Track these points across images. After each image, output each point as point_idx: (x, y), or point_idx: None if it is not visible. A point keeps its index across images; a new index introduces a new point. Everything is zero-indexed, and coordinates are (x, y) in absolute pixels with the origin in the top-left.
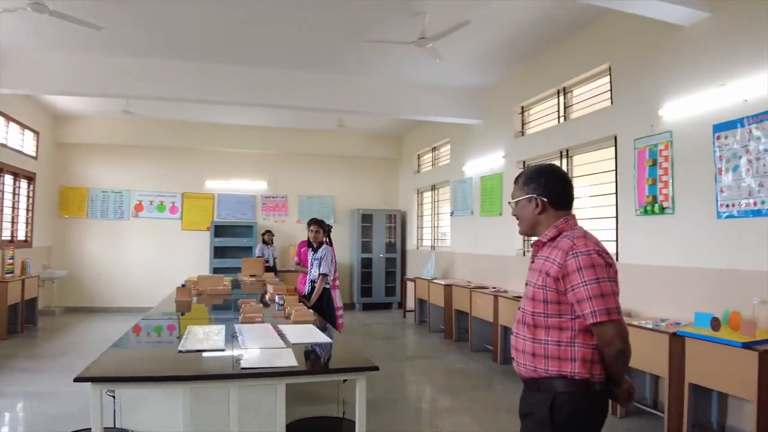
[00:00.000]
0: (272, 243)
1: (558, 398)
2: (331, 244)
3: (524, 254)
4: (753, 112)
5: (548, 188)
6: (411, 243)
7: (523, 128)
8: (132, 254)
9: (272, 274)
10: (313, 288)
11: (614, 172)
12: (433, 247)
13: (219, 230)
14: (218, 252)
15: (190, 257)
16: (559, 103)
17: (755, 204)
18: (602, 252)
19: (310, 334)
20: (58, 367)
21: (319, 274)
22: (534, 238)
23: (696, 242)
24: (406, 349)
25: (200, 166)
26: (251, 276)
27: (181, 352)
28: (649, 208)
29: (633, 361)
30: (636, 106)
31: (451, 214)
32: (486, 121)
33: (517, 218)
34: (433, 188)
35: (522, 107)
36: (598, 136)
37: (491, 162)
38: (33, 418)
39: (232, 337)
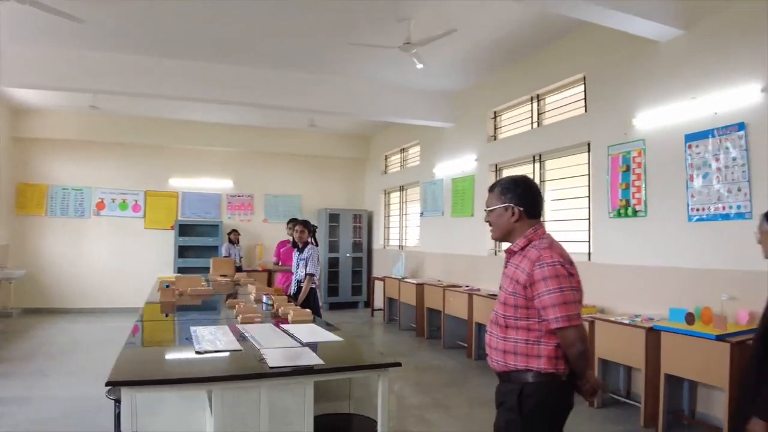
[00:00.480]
0: (238, 242)
1: (525, 388)
2: (316, 244)
3: (495, 254)
4: (723, 124)
5: (524, 198)
6: (377, 242)
7: (495, 133)
8: (93, 253)
9: (244, 274)
10: (298, 288)
11: (587, 176)
12: (401, 247)
13: (183, 229)
14: (182, 251)
15: (154, 257)
16: (532, 110)
17: (724, 208)
18: (566, 263)
19: (319, 333)
20: (30, 371)
21: (307, 274)
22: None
23: (668, 243)
24: (378, 347)
25: (164, 163)
26: (222, 276)
27: (198, 353)
28: (622, 211)
29: (611, 354)
30: (610, 114)
31: (421, 214)
32: (458, 124)
33: (491, 225)
34: (402, 189)
35: (495, 112)
36: (571, 142)
37: (463, 165)
38: (20, 425)
39: (241, 338)
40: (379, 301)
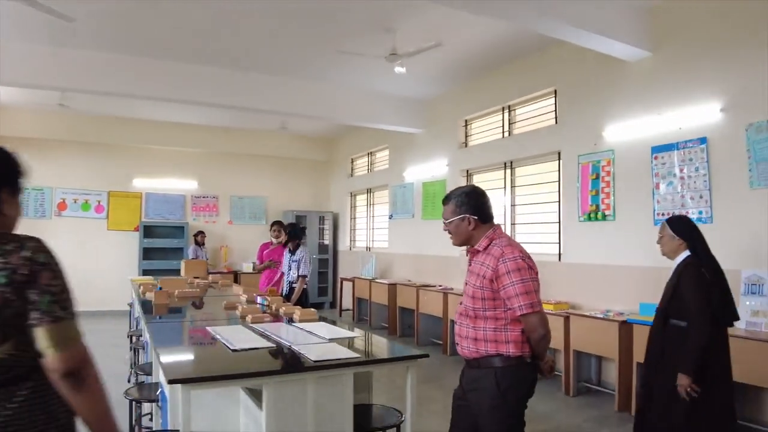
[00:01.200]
0: (204, 244)
1: (498, 372)
2: (305, 245)
3: (467, 254)
4: (686, 139)
5: (477, 208)
6: (343, 244)
7: (466, 140)
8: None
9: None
10: (290, 288)
11: (558, 182)
12: (368, 249)
13: (148, 231)
14: (147, 253)
15: (117, 259)
16: (503, 119)
17: (686, 214)
18: (525, 257)
19: (335, 330)
20: None
21: (300, 276)
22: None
23: (635, 244)
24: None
25: (128, 163)
26: (195, 278)
27: (236, 350)
28: (592, 215)
29: (585, 346)
30: (580, 126)
31: (390, 216)
32: (428, 130)
33: (450, 233)
34: (369, 191)
35: (466, 120)
36: (542, 150)
37: (434, 169)
38: None
39: (263, 336)
40: (346, 302)
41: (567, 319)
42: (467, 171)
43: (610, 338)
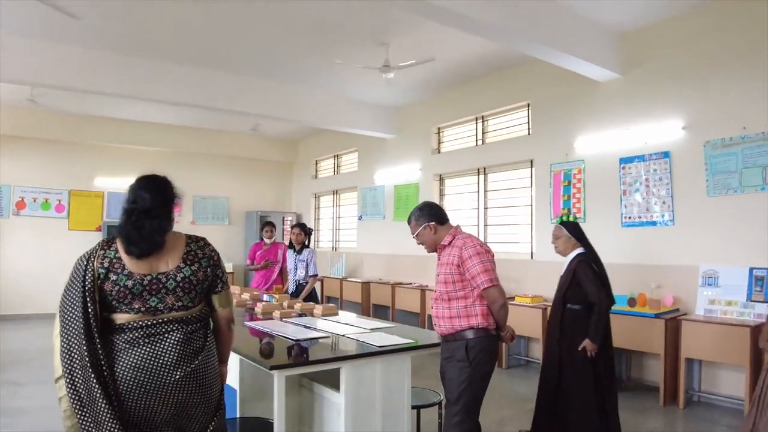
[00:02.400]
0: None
1: (469, 343)
2: (309, 245)
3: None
4: (651, 152)
5: (432, 215)
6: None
7: (439, 146)
8: (13, 256)
9: None
10: (297, 286)
11: (530, 188)
12: (334, 249)
13: (112, 231)
14: None
15: None
16: (477, 128)
17: (651, 217)
18: (482, 245)
19: (368, 321)
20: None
21: (311, 275)
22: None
23: (604, 243)
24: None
25: (89, 162)
26: None
27: (297, 341)
28: (564, 217)
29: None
30: (552, 137)
31: (360, 217)
32: (400, 136)
33: (423, 244)
34: (335, 193)
35: (439, 128)
36: (515, 159)
37: (407, 173)
38: None
39: (306, 328)
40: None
41: (545, 310)
42: (440, 176)
43: None
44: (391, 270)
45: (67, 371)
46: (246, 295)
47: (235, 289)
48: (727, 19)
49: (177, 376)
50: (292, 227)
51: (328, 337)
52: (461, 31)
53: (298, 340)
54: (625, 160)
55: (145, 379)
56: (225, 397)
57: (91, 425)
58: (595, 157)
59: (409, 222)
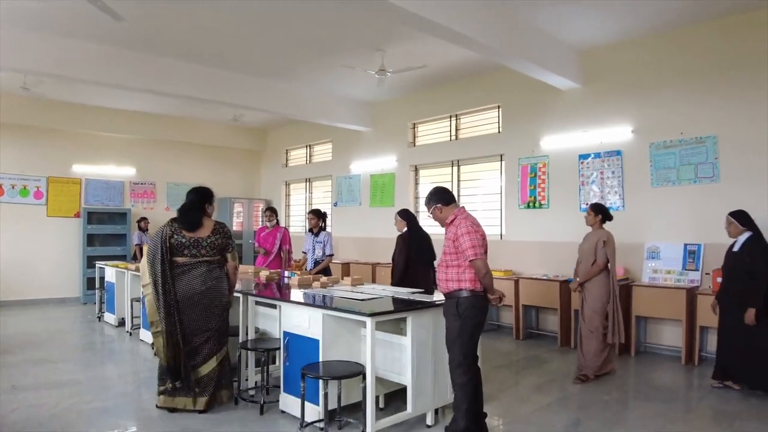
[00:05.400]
0: (148, 230)
1: (460, 300)
2: (325, 228)
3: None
4: (606, 150)
5: (439, 198)
6: None
7: (414, 140)
8: None
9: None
10: (316, 264)
11: (500, 179)
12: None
13: (90, 217)
14: (90, 240)
15: (59, 245)
16: (451, 126)
17: (606, 203)
18: (474, 225)
19: (387, 287)
20: (20, 361)
21: (327, 255)
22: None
23: (565, 226)
24: None
25: (67, 148)
26: None
27: (364, 300)
28: (530, 204)
29: (531, 300)
30: (521, 135)
31: (335, 204)
32: (376, 129)
33: (436, 219)
34: (308, 181)
35: (414, 123)
36: (486, 153)
37: (383, 164)
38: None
39: (353, 292)
40: None
41: (517, 282)
42: (415, 167)
43: (553, 294)
44: (367, 252)
45: (153, 281)
46: (265, 273)
47: (247, 268)
48: (669, 44)
49: (203, 289)
50: (307, 213)
51: (380, 297)
52: (448, 42)
53: (364, 299)
54: (584, 156)
55: (188, 289)
56: (309, 346)
57: (163, 311)
58: (557, 153)
59: (426, 205)
